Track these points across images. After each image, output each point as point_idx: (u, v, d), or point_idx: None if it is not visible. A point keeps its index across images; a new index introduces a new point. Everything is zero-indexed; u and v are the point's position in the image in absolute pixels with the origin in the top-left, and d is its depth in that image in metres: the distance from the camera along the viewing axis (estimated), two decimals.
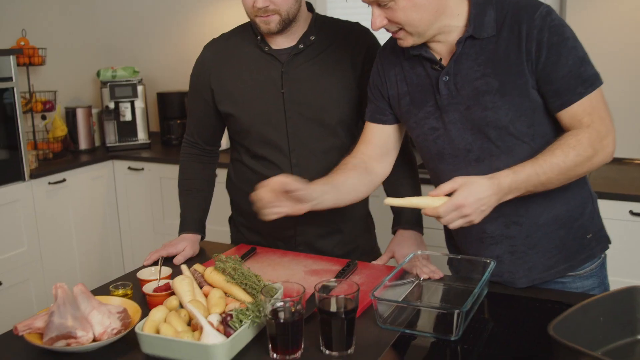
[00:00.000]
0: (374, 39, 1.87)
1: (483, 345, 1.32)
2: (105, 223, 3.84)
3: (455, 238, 1.72)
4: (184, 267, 1.52)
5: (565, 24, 1.44)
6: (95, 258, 3.79)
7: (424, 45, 1.51)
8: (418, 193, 1.86)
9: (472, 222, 1.37)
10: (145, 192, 3.79)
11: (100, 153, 3.92)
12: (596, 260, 1.62)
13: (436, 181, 1.64)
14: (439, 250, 1.69)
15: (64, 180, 3.53)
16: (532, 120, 1.47)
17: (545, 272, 1.59)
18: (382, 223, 2.09)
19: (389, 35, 1.53)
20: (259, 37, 1.82)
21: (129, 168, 3.80)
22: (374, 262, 1.77)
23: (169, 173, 3.67)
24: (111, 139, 3.96)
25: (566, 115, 1.44)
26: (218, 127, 1.97)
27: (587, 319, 1.24)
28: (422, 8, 1.41)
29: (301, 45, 1.80)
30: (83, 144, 3.93)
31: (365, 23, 1.89)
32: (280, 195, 1.52)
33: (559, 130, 1.50)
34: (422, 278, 1.62)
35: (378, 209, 2.15)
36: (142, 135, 4.02)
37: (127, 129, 3.99)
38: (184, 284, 1.39)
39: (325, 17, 1.88)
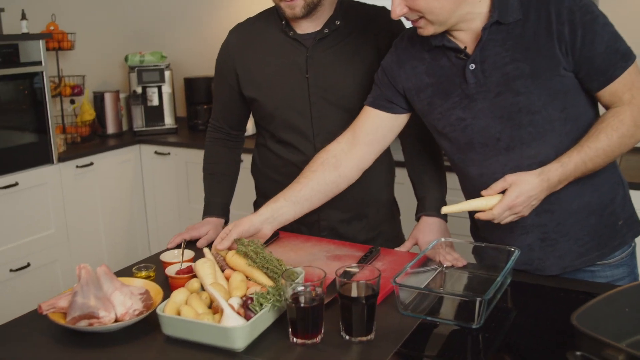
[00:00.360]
0: (399, 24, 1.84)
1: (505, 334, 1.30)
2: (131, 206, 3.88)
3: (483, 229, 1.70)
4: (206, 250, 1.52)
5: (592, 2, 1.41)
6: (121, 241, 3.83)
7: (446, 35, 1.49)
8: (443, 182, 1.84)
9: (523, 216, 1.43)
10: (172, 177, 3.82)
11: (127, 137, 3.95)
12: (627, 247, 1.60)
13: (463, 171, 1.62)
14: (463, 239, 1.68)
15: (91, 163, 3.57)
16: (565, 103, 1.45)
17: (576, 260, 1.56)
18: (408, 210, 2.08)
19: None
20: (283, 22, 1.81)
21: (156, 152, 3.82)
22: (397, 249, 1.76)
23: (195, 158, 3.69)
24: (138, 123, 4.00)
25: (607, 92, 1.43)
26: (243, 112, 1.97)
27: (613, 309, 1.21)
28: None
29: (326, 30, 1.79)
30: (110, 128, 3.97)
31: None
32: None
33: (592, 112, 1.49)
34: (445, 265, 1.61)
35: (404, 195, 2.14)
36: (169, 120, 4.05)
37: (154, 114, 4.02)
38: (205, 267, 1.39)
39: (350, 1, 1.86)
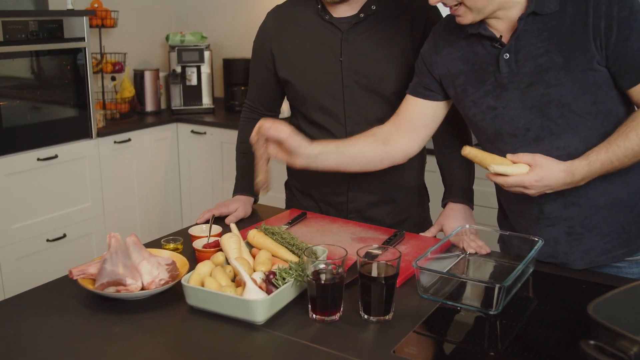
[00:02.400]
0: (435, 11, 1.84)
1: (524, 322, 1.31)
2: (166, 183, 3.95)
3: (510, 218, 1.70)
4: (232, 226, 1.56)
5: None
6: (154, 216, 3.91)
7: (482, 23, 1.48)
8: (471, 170, 1.84)
9: (530, 195, 1.43)
10: (207, 156, 3.88)
11: (165, 115, 4.02)
12: None
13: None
14: (489, 227, 1.68)
15: (129, 140, 3.64)
16: (596, 97, 1.43)
17: (602, 256, 1.55)
18: (438, 198, 2.08)
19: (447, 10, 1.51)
20: (319, 6, 1.83)
21: (192, 131, 3.88)
22: (422, 234, 1.77)
23: (231, 138, 3.71)
24: (176, 102, 4.06)
25: (638, 91, 1.41)
26: (278, 93, 1.99)
27: (631, 302, 1.21)
28: None
29: (362, 15, 1.80)
30: (149, 106, 4.04)
31: None
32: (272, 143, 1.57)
33: (624, 107, 1.47)
34: (468, 252, 1.61)
35: (434, 183, 2.13)
36: (206, 100, 4.10)
37: (192, 94, 4.07)
38: (231, 242, 1.43)
39: None
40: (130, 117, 3.90)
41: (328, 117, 1.86)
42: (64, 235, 3.35)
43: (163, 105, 4.18)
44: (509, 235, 1.62)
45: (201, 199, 3.96)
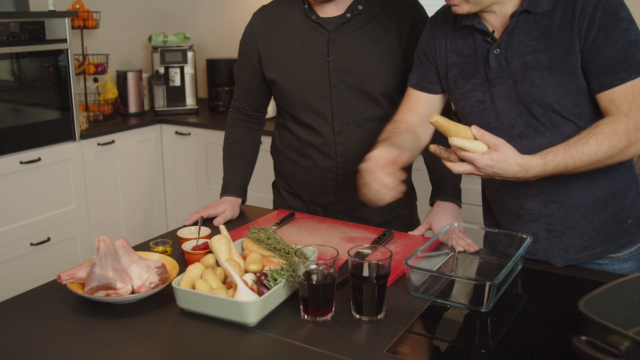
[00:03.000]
0: (422, 11, 1.85)
1: (514, 319, 1.32)
2: (151, 185, 3.93)
3: (494, 212, 1.72)
4: (222, 227, 1.55)
5: (623, 3, 1.38)
6: (139, 218, 3.89)
7: (477, 16, 1.49)
8: None
9: (479, 176, 1.41)
10: (191, 157, 3.86)
11: (148, 117, 3.99)
12: (635, 244, 1.59)
13: None
14: (476, 225, 1.69)
15: (112, 141, 3.61)
16: (579, 99, 1.44)
17: (581, 253, 1.57)
18: (423, 196, 2.09)
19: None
20: (306, 6, 1.83)
21: (176, 132, 3.86)
22: (410, 233, 1.77)
23: (215, 139, 3.72)
24: (160, 103, 4.03)
25: (605, 98, 1.40)
26: (265, 94, 1.99)
27: (621, 298, 1.22)
28: None
29: (349, 15, 1.80)
30: (132, 108, 4.01)
31: None
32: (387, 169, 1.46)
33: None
34: (457, 250, 1.62)
35: (421, 182, 2.15)
36: (190, 101, 4.08)
37: (176, 94, 4.05)
38: (221, 243, 1.42)
39: None
40: (114, 118, 3.88)
41: (316, 116, 1.86)
42: (48, 239, 3.32)
43: (146, 107, 4.15)
44: (497, 233, 1.63)
45: (186, 200, 3.95)
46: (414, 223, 2.04)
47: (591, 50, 1.38)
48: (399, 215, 1.98)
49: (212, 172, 3.80)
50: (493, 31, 1.48)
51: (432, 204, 1.83)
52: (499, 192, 1.63)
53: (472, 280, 1.44)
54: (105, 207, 3.65)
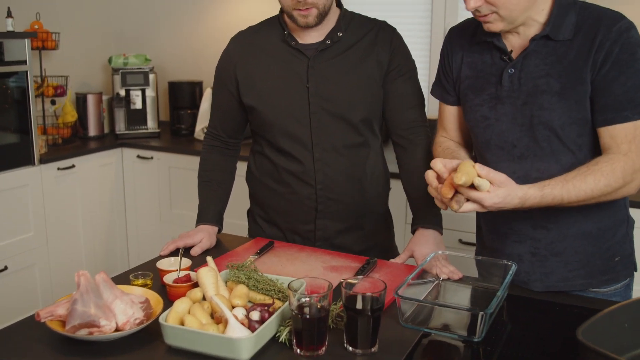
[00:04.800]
0: (400, 39, 1.87)
1: (503, 347, 1.31)
2: (112, 210, 3.83)
3: (484, 229, 1.74)
4: (209, 259, 1.50)
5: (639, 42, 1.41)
6: (100, 245, 3.78)
7: (498, 34, 1.52)
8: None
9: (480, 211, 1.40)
10: (154, 181, 3.79)
11: (109, 140, 3.90)
12: (619, 282, 1.62)
13: None
14: (458, 251, 1.69)
15: (73, 166, 3.52)
16: (583, 130, 1.47)
17: (561, 282, 1.58)
18: (398, 222, 2.09)
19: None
20: (286, 32, 1.82)
21: (138, 156, 3.78)
22: (392, 260, 1.76)
23: (178, 163, 3.66)
24: (120, 126, 3.95)
25: (607, 134, 1.43)
26: (241, 120, 1.96)
27: (614, 324, 1.23)
28: None
29: (328, 41, 1.80)
30: (92, 131, 3.91)
31: (386, 19, 1.90)
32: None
33: None
34: (441, 278, 1.62)
35: (396, 208, 2.14)
36: (151, 124, 4.01)
37: (137, 117, 3.98)
38: (209, 276, 1.38)
39: (353, 13, 1.87)
40: (73, 142, 3.78)
41: (295, 143, 1.84)
42: (5, 268, 3.19)
43: (106, 130, 4.06)
44: (481, 260, 1.63)
45: (148, 226, 3.86)
46: (392, 250, 2.03)
47: (602, 83, 1.41)
48: (378, 243, 1.97)
49: (175, 197, 3.73)
50: (511, 51, 1.51)
51: (413, 231, 1.82)
52: (491, 212, 1.64)
53: (465, 310, 1.43)
54: (65, 234, 3.54)
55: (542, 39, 1.47)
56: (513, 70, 1.50)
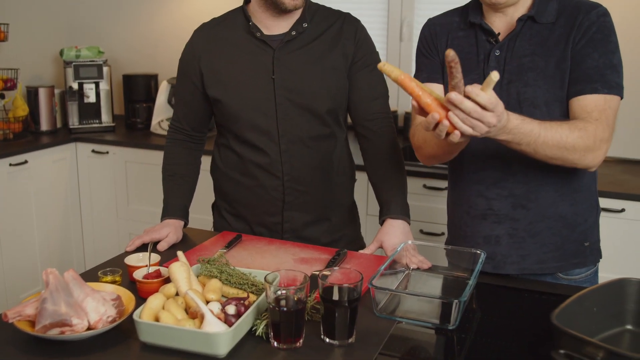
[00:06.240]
0: (364, 31, 1.87)
1: (476, 333, 1.34)
2: (67, 207, 3.74)
3: (456, 212, 1.74)
4: (180, 254, 1.48)
5: (614, 30, 1.50)
6: (55, 242, 3.69)
7: (483, 17, 1.58)
8: (406, 185, 1.86)
9: (472, 131, 1.28)
10: (110, 176, 3.71)
11: (62, 135, 3.80)
12: (587, 267, 1.67)
13: (459, 153, 1.64)
14: (427, 241, 1.71)
15: (25, 162, 3.41)
16: (565, 111, 1.51)
17: (536, 265, 1.62)
18: (360, 213, 2.10)
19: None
20: (250, 23, 1.80)
21: (93, 151, 3.70)
22: (361, 251, 1.77)
23: (135, 157, 3.60)
24: (74, 120, 3.85)
25: (577, 104, 1.48)
26: (206, 113, 1.94)
27: (583, 309, 1.27)
28: None
29: (294, 32, 1.79)
30: (44, 125, 3.80)
31: (350, 11, 1.90)
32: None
33: None
34: (411, 268, 1.63)
35: (357, 199, 2.14)
36: (106, 118, 3.92)
37: (91, 111, 3.88)
38: (181, 271, 1.36)
39: (317, 5, 1.87)
40: (25, 137, 3.67)
41: (261, 135, 1.83)
42: None
43: (59, 124, 3.95)
44: (450, 249, 1.66)
45: (105, 221, 3.78)
46: (359, 241, 2.04)
47: (575, 57, 1.48)
48: (345, 234, 1.98)
49: (132, 192, 3.66)
50: (499, 33, 1.57)
51: (381, 222, 1.83)
52: (468, 190, 1.67)
53: (439, 299, 1.45)
54: (18, 232, 3.43)
55: (528, 21, 1.54)
56: (499, 51, 1.55)
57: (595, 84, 1.46)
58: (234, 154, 1.90)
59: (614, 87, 1.47)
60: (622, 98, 1.49)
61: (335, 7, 1.92)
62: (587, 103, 1.46)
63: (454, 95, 1.23)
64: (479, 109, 1.23)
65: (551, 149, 1.39)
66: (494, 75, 1.22)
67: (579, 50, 1.48)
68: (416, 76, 1.71)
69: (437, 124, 1.28)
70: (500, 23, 1.58)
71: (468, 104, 1.23)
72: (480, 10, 1.61)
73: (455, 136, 1.28)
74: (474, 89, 1.22)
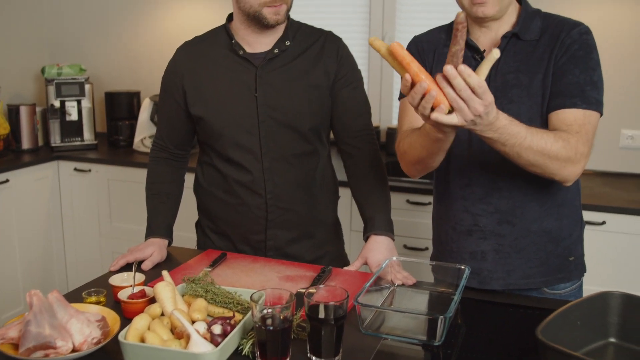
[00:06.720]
0: (346, 49, 1.89)
1: (461, 349, 1.35)
2: (49, 226, 3.71)
3: (442, 228, 1.75)
4: (165, 273, 1.48)
5: (596, 48, 1.52)
6: (37, 261, 3.65)
7: (468, 34, 1.58)
8: (390, 201, 1.87)
9: (470, 123, 1.28)
10: (92, 194, 3.68)
11: (44, 153, 3.78)
12: (572, 281, 1.68)
13: (444, 167, 1.68)
14: (411, 257, 1.72)
15: (7, 180, 3.39)
16: (545, 127, 1.52)
17: (522, 280, 1.63)
18: (345, 229, 2.11)
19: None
20: (233, 41, 1.81)
21: (75, 169, 3.68)
22: (346, 268, 1.78)
23: (117, 175, 3.58)
24: (56, 138, 3.83)
25: (557, 117, 1.49)
26: (189, 131, 1.94)
27: (567, 323, 1.28)
28: None
29: (276, 50, 1.80)
30: (26, 144, 3.78)
31: (331, 27, 1.92)
32: None
33: None
34: (396, 284, 1.64)
35: (340, 215, 2.15)
36: (88, 136, 3.91)
37: (73, 129, 3.86)
38: (167, 291, 1.36)
39: (299, 22, 1.88)
40: (6, 155, 3.64)
41: (244, 153, 1.84)
42: None
43: (41, 142, 3.92)
44: (435, 265, 1.67)
45: (87, 240, 3.75)
46: (343, 258, 2.04)
47: (557, 73, 1.50)
48: (329, 252, 1.98)
49: (115, 210, 3.64)
50: (484, 50, 1.58)
51: (366, 239, 1.83)
52: (454, 206, 1.68)
53: (425, 315, 1.46)
54: (0, 252, 3.40)
55: (512, 38, 1.56)
56: None
57: (574, 99, 1.48)
58: (216, 172, 1.90)
59: (594, 103, 1.49)
60: (601, 115, 1.51)
61: (316, 24, 1.94)
62: (567, 117, 1.48)
63: (449, 69, 1.22)
64: (469, 90, 1.23)
65: (534, 154, 1.39)
66: (495, 52, 1.24)
67: (561, 66, 1.51)
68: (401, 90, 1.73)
69: (423, 96, 1.26)
70: (485, 39, 1.60)
71: (460, 81, 1.22)
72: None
73: (441, 110, 1.26)
74: (466, 69, 1.22)
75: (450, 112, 1.27)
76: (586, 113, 1.47)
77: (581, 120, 1.47)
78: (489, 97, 1.25)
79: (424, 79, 1.26)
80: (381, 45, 1.29)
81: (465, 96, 1.23)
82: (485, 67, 1.27)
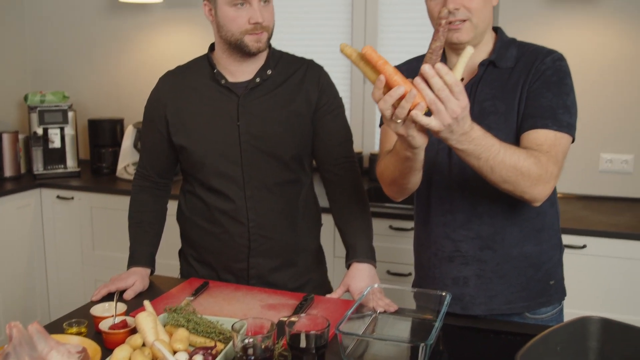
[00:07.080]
0: (327, 77, 1.91)
1: None
2: (31, 254, 3.67)
3: (423, 254, 1.75)
4: (146, 303, 1.48)
5: (569, 74, 1.56)
6: (19, 291, 3.61)
7: (446, 61, 1.60)
8: (371, 228, 1.88)
9: (447, 129, 1.28)
10: (75, 222, 3.66)
11: (26, 181, 3.76)
12: (553, 305, 1.70)
13: (425, 194, 1.70)
14: (393, 284, 1.72)
15: None
16: None
17: (504, 305, 1.65)
18: (326, 256, 2.11)
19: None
20: (215, 70, 1.83)
21: (58, 197, 3.66)
22: (328, 296, 1.78)
23: (101, 203, 3.57)
24: (38, 166, 3.82)
25: (528, 137, 1.51)
26: (171, 160, 1.95)
27: (547, 348, 1.29)
28: (488, 8, 1.55)
29: (258, 79, 1.82)
30: (8, 171, 3.75)
31: (312, 54, 1.94)
32: None
33: None
34: (378, 311, 1.64)
35: (323, 242, 2.16)
36: (71, 163, 3.89)
37: (56, 156, 3.85)
38: (148, 321, 1.35)
39: (280, 52, 1.91)
40: None
41: (226, 182, 1.85)
42: None
43: (23, 170, 3.90)
44: (417, 292, 1.67)
45: (70, 268, 3.72)
46: (326, 285, 2.05)
47: (529, 96, 1.53)
48: (312, 279, 1.98)
49: (98, 238, 3.62)
50: (462, 79, 1.59)
51: (348, 266, 1.84)
52: (435, 232, 1.69)
53: (406, 343, 1.46)
54: None
55: (490, 66, 1.59)
56: None
57: (546, 120, 1.50)
58: (199, 201, 1.90)
59: (565, 125, 1.50)
60: (573, 140, 1.53)
61: (297, 51, 1.96)
62: (538, 136, 1.49)
63: (427, 68, 1.23)
64: (447, 90, 1.24)
65: (507, 170, 1.39)
66: (469, 49, 1.29)
67: (534, 90, 1.54)
68: (383, 121, 1.73)
69: (400, 100, 1.26)
70: None
71: (438, 80, 1.23)
72: (443, 55, 1.65)
73: (421, 108, 1.25)
74: (443, 67, 1.23)
75: (427, 114, 1.28)
76: (557, 135, 1.49)
77: (552, 140, 1.48)
78: (465, 100, 1.27)
79: (400, 82, 1.25)
80: (352, 51, 1.30)
81: (444, 96, 1.24)
82: (460, 64, 1.29)
